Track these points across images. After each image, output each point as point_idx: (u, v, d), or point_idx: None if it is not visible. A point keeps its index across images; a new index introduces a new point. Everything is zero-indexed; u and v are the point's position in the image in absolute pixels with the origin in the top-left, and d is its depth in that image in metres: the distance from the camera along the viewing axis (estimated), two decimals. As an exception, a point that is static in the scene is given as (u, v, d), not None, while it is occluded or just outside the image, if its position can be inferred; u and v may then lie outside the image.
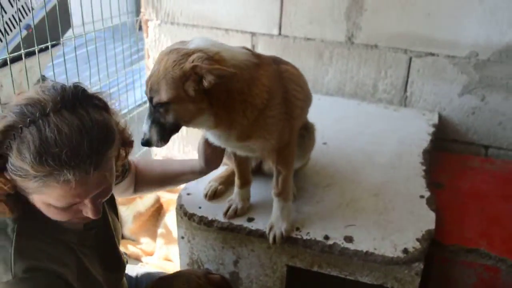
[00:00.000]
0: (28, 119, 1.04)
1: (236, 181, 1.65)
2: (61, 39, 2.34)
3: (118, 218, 1.52)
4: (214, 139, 1.47)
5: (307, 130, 1.67)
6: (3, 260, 1.11)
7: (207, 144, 1.55)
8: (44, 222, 1.17)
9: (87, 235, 1.31)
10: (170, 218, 2.59)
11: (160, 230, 2.63)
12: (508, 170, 2.18)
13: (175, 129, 1.33)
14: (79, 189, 1.07)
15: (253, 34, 2.56)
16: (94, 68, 2.45)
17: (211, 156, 1.58)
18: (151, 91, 1.29)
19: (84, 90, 1.12)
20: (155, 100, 1.29)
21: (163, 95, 1.26)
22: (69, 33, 2.40)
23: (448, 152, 2.36)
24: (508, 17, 2.15)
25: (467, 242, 1.68)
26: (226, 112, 1.32)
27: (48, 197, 1.09)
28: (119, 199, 1.63)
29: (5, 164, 1.06)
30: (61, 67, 2.26)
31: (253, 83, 1.33)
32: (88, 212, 1.15)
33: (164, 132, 1.31)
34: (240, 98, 1.32)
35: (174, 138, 2.93)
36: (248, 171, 1.66)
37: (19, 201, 1.13)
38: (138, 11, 3.07)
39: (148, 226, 2.70)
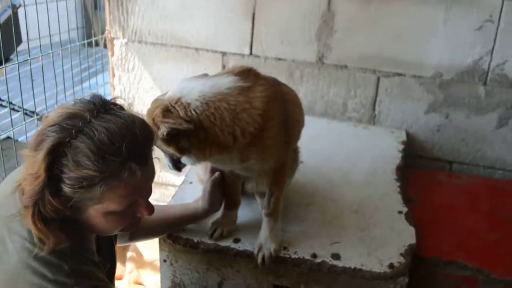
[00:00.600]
0: (73, 130, 1.04)
1: (225, 203, 1.66)
2: (17, 55, 2.29)
3: None
4: (216, 164, 1.48)
5: (294, 151, 1.70)
6: (64, 285, 1.11)
7: (215, 186, 1.60)
8: (84, 247, 1.20)
9: (104, 265, 1.32)
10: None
11: (129, 254, 2.57)
12: (473, 184, 2.30)
13: (178, 162, 1.42)
14: (142, 182, 1.12)
15: (223, 53, 2.58)
16: (46, 83, 2.42)
17: (217, 197, 1.62)
18: None
19: (104, 97, 1.16)
20: None
21: None
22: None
23: (415, 168, 2.46)
24: (470, 39, 2.29)
25: (445, 254, 1.76)
26: (210, 146, 1.34)
27: (109, 203, 1.10)
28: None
29: (59, 184, 1.05)
30: (9, 84, 2.23)
31: (240, 110, 1.33)
32: (143, 211, 1.20)
33: (171, 163, 1.42)
34: (224, 130, 1.32)
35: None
36: (238, 193, 1.67)
37: (72, 227, 1.13)
38: (86, 27, 3.02)
39: (116, 249, 2.63)
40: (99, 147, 1.04)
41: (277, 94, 1.43)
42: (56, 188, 1.06)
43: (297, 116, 1.53)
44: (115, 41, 2.75)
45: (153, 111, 1.31)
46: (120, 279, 2.57)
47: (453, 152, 2.50)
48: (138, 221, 1.26)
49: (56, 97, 2.49)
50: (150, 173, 1.17)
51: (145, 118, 1.32)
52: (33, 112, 2.77)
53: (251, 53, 2.54)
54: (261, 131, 1.36)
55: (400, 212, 1.84)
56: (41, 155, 1.03)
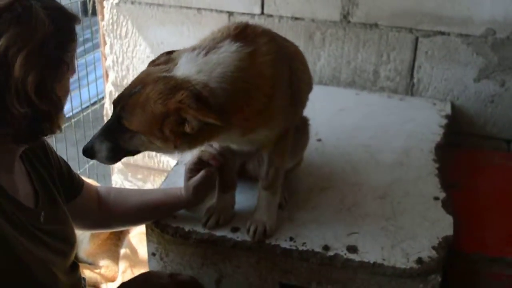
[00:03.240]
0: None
1: (219, 184, 1.67)
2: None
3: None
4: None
5: (303, 123, 1.70)
6: None
7: (193, 168, 1.64)
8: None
9: (37, 215, 1.36)
10: (136, 235, 2.59)
11: (123, 250, 2.62)
12: (535, 167, 2.24)
13: (133, 154, 1.39)
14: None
15: (230, 13, 2.59)
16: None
17: (199, 183, 1.64)
18: (123, 110, 1.31)
19: None
20: (123, 121, 1.32)
21: (134, 123, 1.30)
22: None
23: (462, 147, 2.42)
24: (530, -14, 2.23)
25: (490, 250, 1.72)
26: (213, 132, 1.34)
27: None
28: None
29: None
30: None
31: (252, 86, 1.34)
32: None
33: (118, 152, 1.36)
34: (237, 111, 1.34)
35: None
36: (233, 173, 1.68)
37: None
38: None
39: (108, 245, 2.69)
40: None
41: (281, 50, 1.43)
42: None
43: (301, 75, 1.53)
44: (104, 3, 2.79)
45: (172, 95, 1.27)
46: (112, 281, 2.62)
47: (511, 129, 2.44)
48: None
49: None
50: None
51: (152, 97, 1.28)
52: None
53: (262, 12, 2.54)
54: (270, 101, 1.37)
55: (436, 199, 1.81)
56: None
